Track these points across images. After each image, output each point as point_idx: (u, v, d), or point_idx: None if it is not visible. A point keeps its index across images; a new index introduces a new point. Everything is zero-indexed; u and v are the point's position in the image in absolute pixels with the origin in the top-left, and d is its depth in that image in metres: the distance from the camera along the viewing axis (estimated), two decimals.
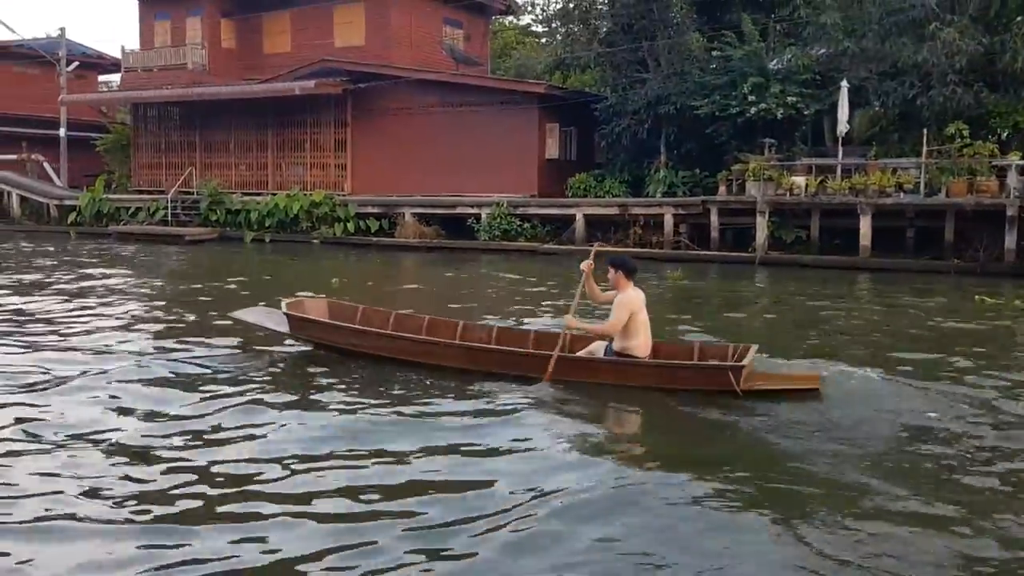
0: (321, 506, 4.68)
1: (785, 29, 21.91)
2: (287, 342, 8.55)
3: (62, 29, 33.73)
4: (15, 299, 12.34)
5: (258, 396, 6.82)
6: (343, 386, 7.20)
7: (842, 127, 19.25)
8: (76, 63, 34.89)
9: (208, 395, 6.88)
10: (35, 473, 5.12)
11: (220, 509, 4.63)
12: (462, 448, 5.71)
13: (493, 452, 5.66)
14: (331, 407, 6.58)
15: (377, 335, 7.95)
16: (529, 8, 29.05)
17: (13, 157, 33.04)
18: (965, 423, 6.34)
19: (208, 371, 7.73)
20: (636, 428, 6.62)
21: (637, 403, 6.80)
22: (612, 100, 22.70)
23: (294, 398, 6.78)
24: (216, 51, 29.32)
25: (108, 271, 16.90)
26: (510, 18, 36.93)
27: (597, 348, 7.35)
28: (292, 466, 5.26)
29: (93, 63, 38.59)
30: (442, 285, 15.73)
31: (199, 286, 14.69)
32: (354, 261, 20.37)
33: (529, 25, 38.24)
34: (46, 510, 4.56)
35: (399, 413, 6.45)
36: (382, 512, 4.60)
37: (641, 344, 7.10)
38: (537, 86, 23.93)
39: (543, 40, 36.88)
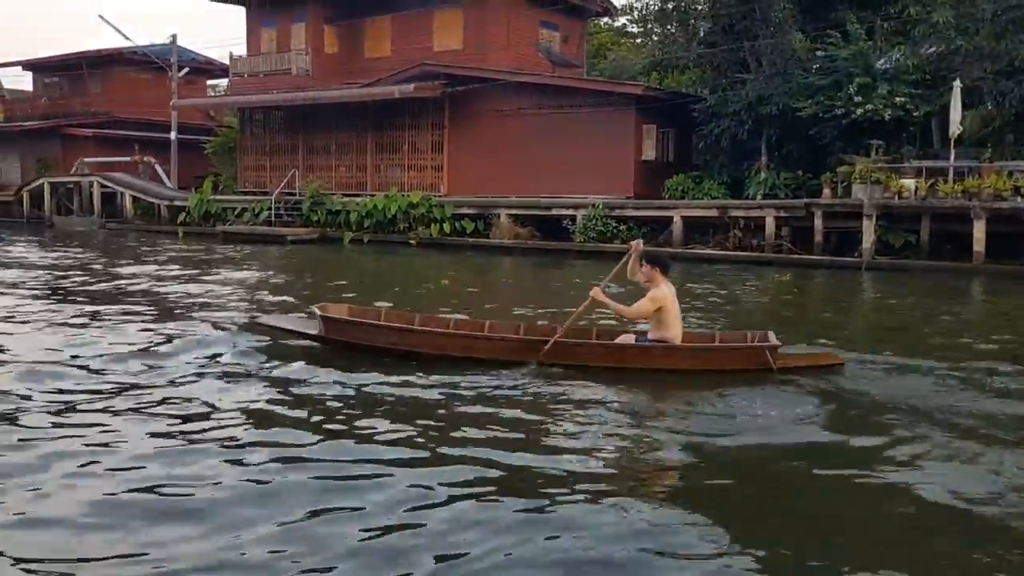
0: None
1: (893, 27, 21.26)
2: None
3: (174, 36, 35.24)
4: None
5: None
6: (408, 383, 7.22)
7: (954, 128, 18.59)
8: (187, 69, 36.41)
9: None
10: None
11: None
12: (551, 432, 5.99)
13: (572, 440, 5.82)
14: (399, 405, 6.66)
15: (423, 332, 8.09)
16: (627, 10, 28.89)
17: (126, 159, 34.71)
18: None
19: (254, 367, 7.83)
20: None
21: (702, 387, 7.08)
22: (711, 101, 22.44)
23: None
24: (319, 56, 30.15)
25: (217, 269, 17.60)
26: (605, 19, 36.84)
27: (628, 340, 7.79)
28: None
29: (202, 68, 40.23)
30: (546, 286, 15.81)
31: (297, 284, 15.11)
32: (449, 262, 20.65)
33: (625, 26, 38.05)
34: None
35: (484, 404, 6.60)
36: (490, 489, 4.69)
37: (675, 335, 7.58)
38: (634, 87, 23.82)
39: (639, 41, 36.64)
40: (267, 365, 7.84)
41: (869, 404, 6.72)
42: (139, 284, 14.35)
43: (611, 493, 4.81)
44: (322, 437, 5.73)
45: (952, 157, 18.77)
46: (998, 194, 17.39)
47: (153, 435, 5.74)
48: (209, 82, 44.61)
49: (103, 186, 33.03)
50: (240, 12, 32.16)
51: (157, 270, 16.92)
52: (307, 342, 8.38)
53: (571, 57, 29.06)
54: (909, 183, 18.40)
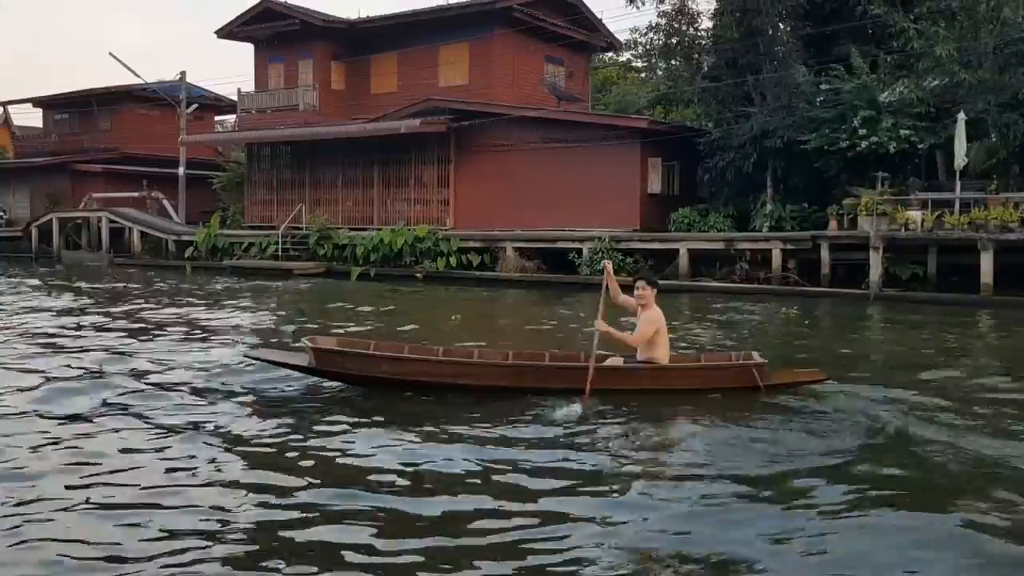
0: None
1: (896, 61, 21.41)
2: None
3: (182, 73, 35.63)
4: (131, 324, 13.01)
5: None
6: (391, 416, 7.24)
7: (959, 160, 18.64)
8: (195, 105, 36.76)
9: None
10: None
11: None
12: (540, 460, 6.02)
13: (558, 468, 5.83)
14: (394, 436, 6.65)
15: (414, 361, 8.03)
16: (631, 45, 29.19)
17: (135, 194, 34.95)
18: None
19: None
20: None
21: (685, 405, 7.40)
22: (716, 134, 22.58)
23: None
24: (326, 92, 30.47)
25: (223, 304, 17.62)
26: (610, 54, 37.24)
27: (616, 362, 7.89)
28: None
29: (211, 105, 40.65)
30: (554, 319, 15.76)
31: (301, 318, 15.13)
32: (456, 295, 20.65)
33: (629, 61, 38.44)
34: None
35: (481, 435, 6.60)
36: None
37: (664, 355, 7.84)
38: (640, 121, 23.98)
39: (643, 75, 36.99)
40: (271, 400, 7.83)
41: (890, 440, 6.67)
42: (146, 317, 14.37)
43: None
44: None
45: (958, 189, 18.81)
46: (1005, 225, 17.40)
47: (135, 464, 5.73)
48: (217, 118, 45.08)
49: (111, 221, 33.22)
50: (249, 49, 32.58)
51: (165, 304, 16.95)
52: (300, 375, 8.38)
53: (576, 92, 29.33)
54: (915, 215, 18.42)
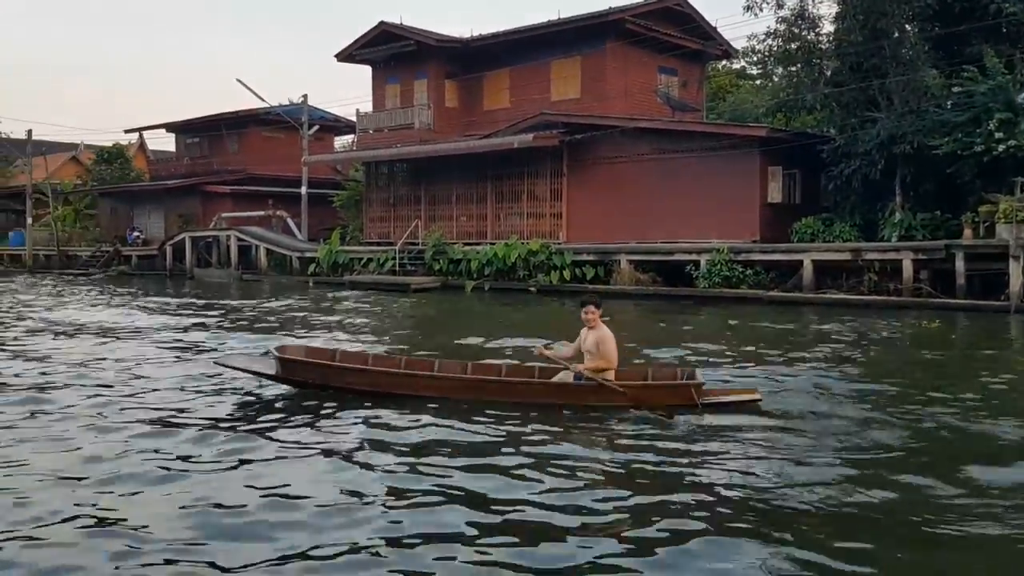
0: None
1: None
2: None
3: (304, 96, 37.02)
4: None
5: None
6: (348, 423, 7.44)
7: None
8: (316, 127, 38.12)
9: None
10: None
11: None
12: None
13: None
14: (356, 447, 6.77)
15: (375, 372, 8.42)
16: (749, 53, 28.56)
17: (260, 213, 36.45)
18: None
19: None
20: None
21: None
22: (840, 141, 21.79)
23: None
24: (440, 110, 31.04)
25: (344, 316, 18.11)
26: (724, 62, 36.55)
27: (566, 377, 8.23)
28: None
29: (331, 126, 42.09)
30: (674, 331, 15.50)
31: (417, 330, 15.35)
32: (571, 308, 20.57)
33: (744, 68, 37.62)
34: None
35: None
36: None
37: (611, 373, 8.11)
38: (759, 129, 23.38)
39: (758, 82, 36.13)
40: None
41: None
42: (262, 323, 14.92)
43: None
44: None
45: None
46: None
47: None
48: (336, 138, 46.57)
49: (239, 239, 34.72)
50: (366, 71, 33.55)
51: (285, 310, 17.55)
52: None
53: (691, 101, 28.91)
54: None
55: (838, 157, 21.79)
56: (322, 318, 17.80)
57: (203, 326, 15.89)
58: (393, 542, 4.72)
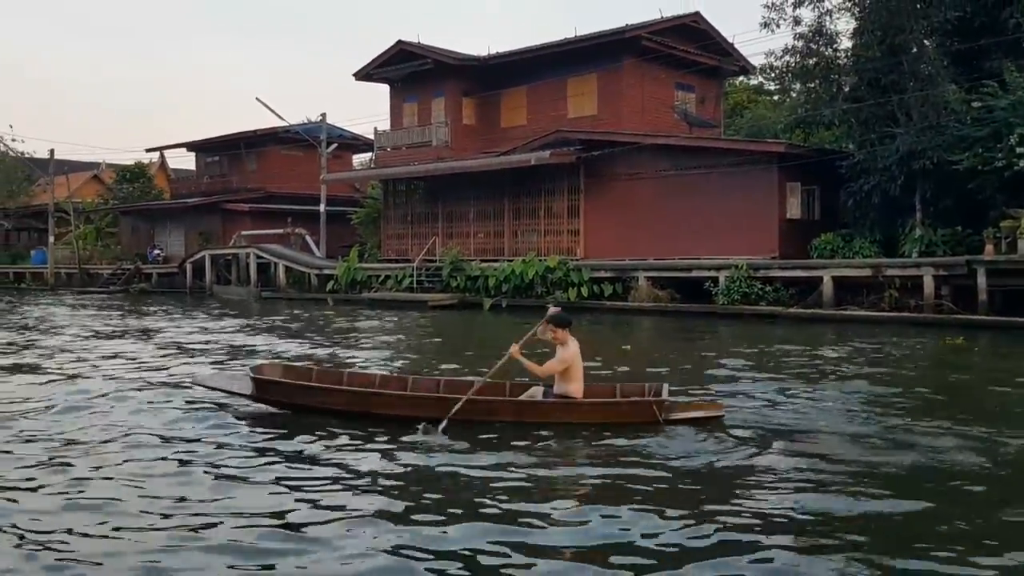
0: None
1: None
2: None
3: (323, 115, 37.27)
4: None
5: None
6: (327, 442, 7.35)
7: None
8: (334, 145, 38.40)
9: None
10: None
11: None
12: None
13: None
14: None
15: (347, 392, 8.35)
16: (766, 69, 28.49)
17: (279, 231, 36.68)
18: None
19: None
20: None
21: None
22: (859, 156, 21.69)
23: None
24: (457, 127, 31.18)
25: (363, 334, 18.15)
26: (742, 78, 36.52)
27: (536, 393, 8.29)
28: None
29: (349, 144, 42.40)
30: (693, 348, 15.42)
31: (432, 347, 15.34)
32: (588, 326, 20.51)
33: (762, 84, 37.57)
34: None
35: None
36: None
37: (578, 388, 8.16)
38: (777, 145, 23.31)
39: (776, 98, 36.07)
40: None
41: None
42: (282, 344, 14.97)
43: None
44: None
45: None
46: None
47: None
48: (355, 156, 46.86)
49: (259, 257, 34.94)
50: (384, 89, 33.77)
51: (300, 329, 17.62)
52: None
53: (708, 118, 28.89)
54: None
55: (857, 173, 21.69)
56: (345, 336, 17.84)
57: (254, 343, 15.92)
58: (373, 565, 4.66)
